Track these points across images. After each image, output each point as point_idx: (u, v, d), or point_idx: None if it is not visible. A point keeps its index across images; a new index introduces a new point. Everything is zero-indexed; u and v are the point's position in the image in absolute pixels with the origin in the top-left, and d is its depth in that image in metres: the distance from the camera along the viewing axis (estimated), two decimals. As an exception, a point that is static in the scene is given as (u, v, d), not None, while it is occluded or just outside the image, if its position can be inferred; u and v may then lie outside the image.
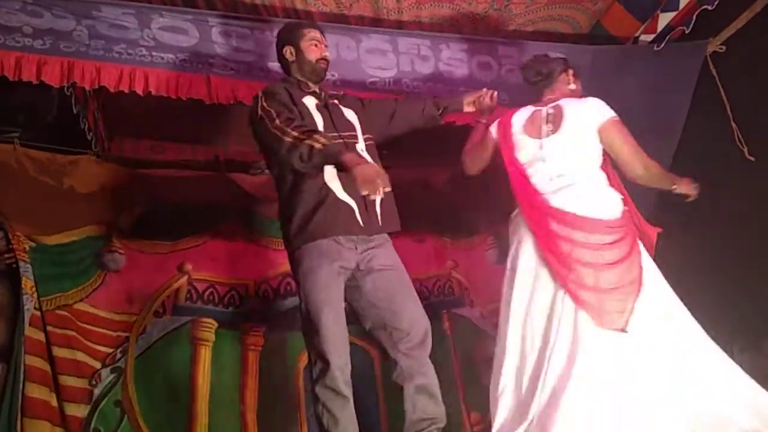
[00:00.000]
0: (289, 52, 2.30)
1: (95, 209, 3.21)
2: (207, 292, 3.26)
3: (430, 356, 3.53)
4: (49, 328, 2.94)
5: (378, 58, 2.82)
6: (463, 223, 4.00)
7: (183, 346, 3.14)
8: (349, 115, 2.32)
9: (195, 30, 2.66)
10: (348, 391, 1.99)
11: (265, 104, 2.08)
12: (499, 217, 3.99)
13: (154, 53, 2.60)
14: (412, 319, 2.14)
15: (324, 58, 2.30)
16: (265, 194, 3.33)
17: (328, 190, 2.05)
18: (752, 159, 2.86)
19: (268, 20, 2.78)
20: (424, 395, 2.10)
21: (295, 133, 1.96)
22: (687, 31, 2.93)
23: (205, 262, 3.32)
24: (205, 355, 3.15)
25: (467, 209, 4.04)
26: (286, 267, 3.49)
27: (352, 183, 1.91)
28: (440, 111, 2.51)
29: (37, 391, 2.82)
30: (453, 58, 2.88)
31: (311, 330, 2.01)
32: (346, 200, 2.07)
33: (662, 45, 3.01)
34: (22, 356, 2.79)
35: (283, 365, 3.26)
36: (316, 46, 2.29)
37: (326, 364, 1.96)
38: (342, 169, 1.95)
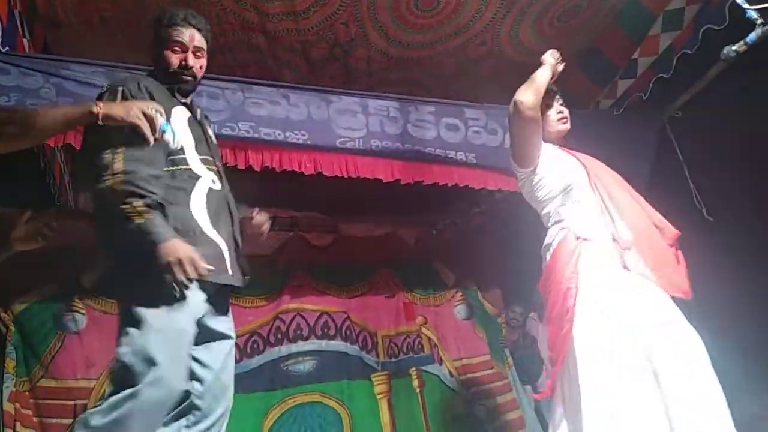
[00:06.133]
0: (153, 55, 1.87)
1: (59, 266, 3.11)
2: (168, 356, 3.17)
3: (401, 412, 3.54)
4: (16, 405, 2.90)
5: (348, 119, 2.85)
6: (433, 279, 4.02)
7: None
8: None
9: (165, 89, 2.67)
10: None
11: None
12: (468, 272, 4.08)
13: (123, 111, 2.59)
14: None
15: (183, 67, 1.83)
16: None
17: (195, 224, 1.69)
18: (711, 219, 2.95)
19: (240, 80, 2.81)
20: None
21: (119, 187, 1.55)
22: (645, 97, 3.06)
23: (169, 323, 3.24)
24: (163, 421, 3.03)
25: (436, 264, 4.07)
26: (253, 324, 3.49)
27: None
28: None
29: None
30: (421, 120, 2.93)
31: None
32: (213, 238, 1.71)
33: (621, 110, 3.14)
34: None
35: (246, 428, 3.16)
36: (176, 51, 1.84)
37: None
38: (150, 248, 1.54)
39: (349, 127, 2.84)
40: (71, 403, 2.97)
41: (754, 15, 2.02)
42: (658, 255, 2.08)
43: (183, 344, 1.59)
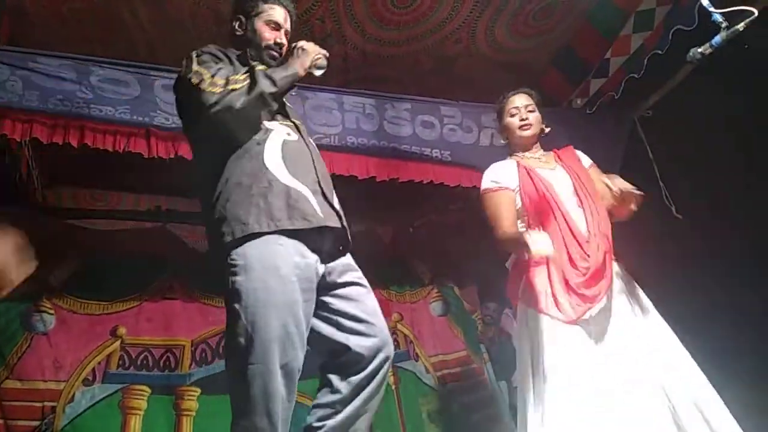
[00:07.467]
0: (238, 23, 1.94)
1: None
2: (141, 357, 3.10)
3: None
4: None
5: (323, 115, 2.84)
6: (409, 276, 4.03)
7: (113, 416, 2.94)
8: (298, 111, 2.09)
9: (137, 83, 2.61)
10: None
11: (195, 65, 1.70)
12: (444, 269, 4.10)
13: (92, 105, 2.53)
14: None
15: (277, 45, 1.91)
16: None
17: (270, 175, 1.69)
18: (680, 217, 3.01)
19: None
20: None
21: (221, 82, 1.65)
22: (616, 97, 3.11)
23: (140, 324, 3.17)
24: (136, 425, 2.95)
25: (413, 262, 4.08)
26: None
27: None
28: None
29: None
30: (397, 117, 2.94)
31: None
32: (292, 185, 1.70)
33: (594, 109, 3.18)
34: None
35: (223, 427, 3.12)
36: (272, 28, 1.92)
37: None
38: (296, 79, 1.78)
39: (324, 124, 2.83)
40: (39, 404, 2.87)
41: (719, 18, 2.05)
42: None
43: None
